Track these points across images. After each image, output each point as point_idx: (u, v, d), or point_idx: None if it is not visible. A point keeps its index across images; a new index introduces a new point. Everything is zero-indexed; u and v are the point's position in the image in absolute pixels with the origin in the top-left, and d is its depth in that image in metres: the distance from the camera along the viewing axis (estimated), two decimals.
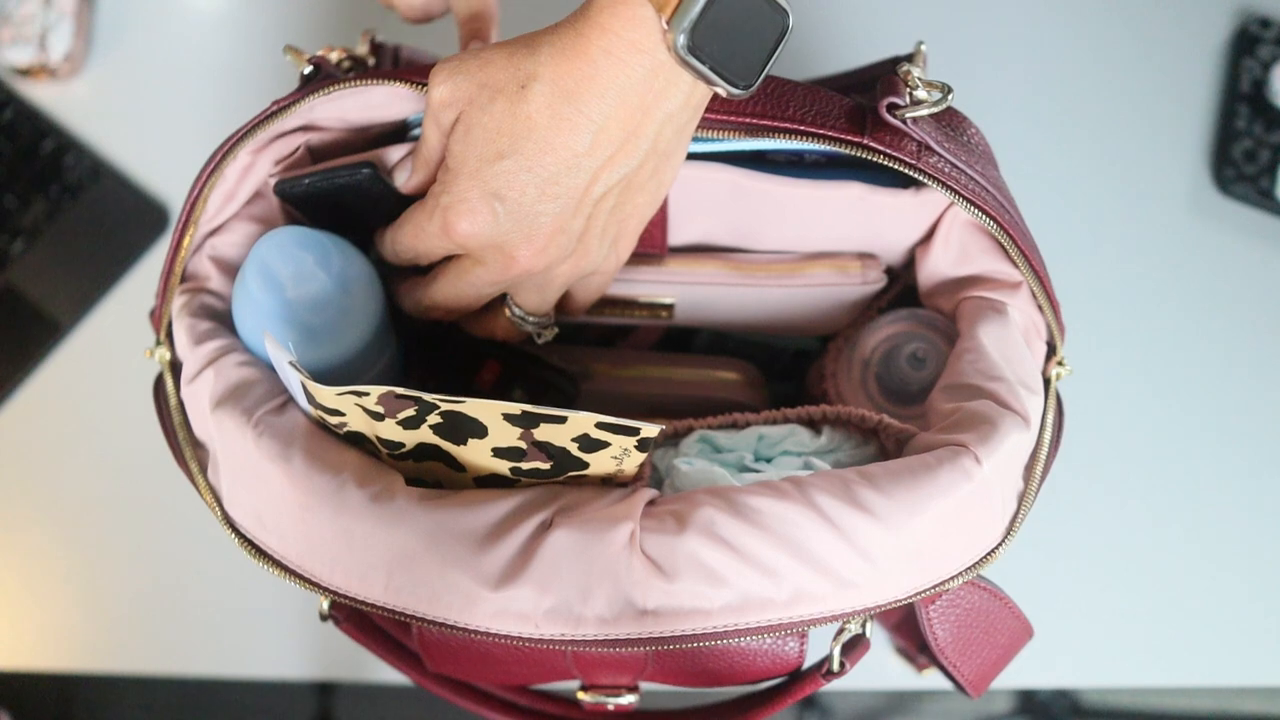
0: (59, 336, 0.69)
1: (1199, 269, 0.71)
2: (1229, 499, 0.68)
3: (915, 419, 0.46)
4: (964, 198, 0.42)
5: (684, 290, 0.50)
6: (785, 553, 0.39)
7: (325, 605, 0.45)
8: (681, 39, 0.36)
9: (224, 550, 0.64)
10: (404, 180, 0.44)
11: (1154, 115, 0.73)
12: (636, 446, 0.38)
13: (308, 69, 0.44)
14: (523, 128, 0.38)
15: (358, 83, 0.42)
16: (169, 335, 0.45)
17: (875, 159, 0.42)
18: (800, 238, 0.49)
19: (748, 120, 0.42)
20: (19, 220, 0.70)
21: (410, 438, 0.39)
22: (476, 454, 0.40)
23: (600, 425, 0.37)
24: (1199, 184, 0.72)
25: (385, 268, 0.46)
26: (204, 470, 0.44)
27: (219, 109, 0.72)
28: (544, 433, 0.38)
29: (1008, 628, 0.46)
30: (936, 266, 0.47)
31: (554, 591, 0.38)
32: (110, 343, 0.69)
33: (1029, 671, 0.65)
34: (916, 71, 0.42)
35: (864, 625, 0.42)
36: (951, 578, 0.41)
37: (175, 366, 0.44)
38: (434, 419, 0.38)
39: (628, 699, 0.46)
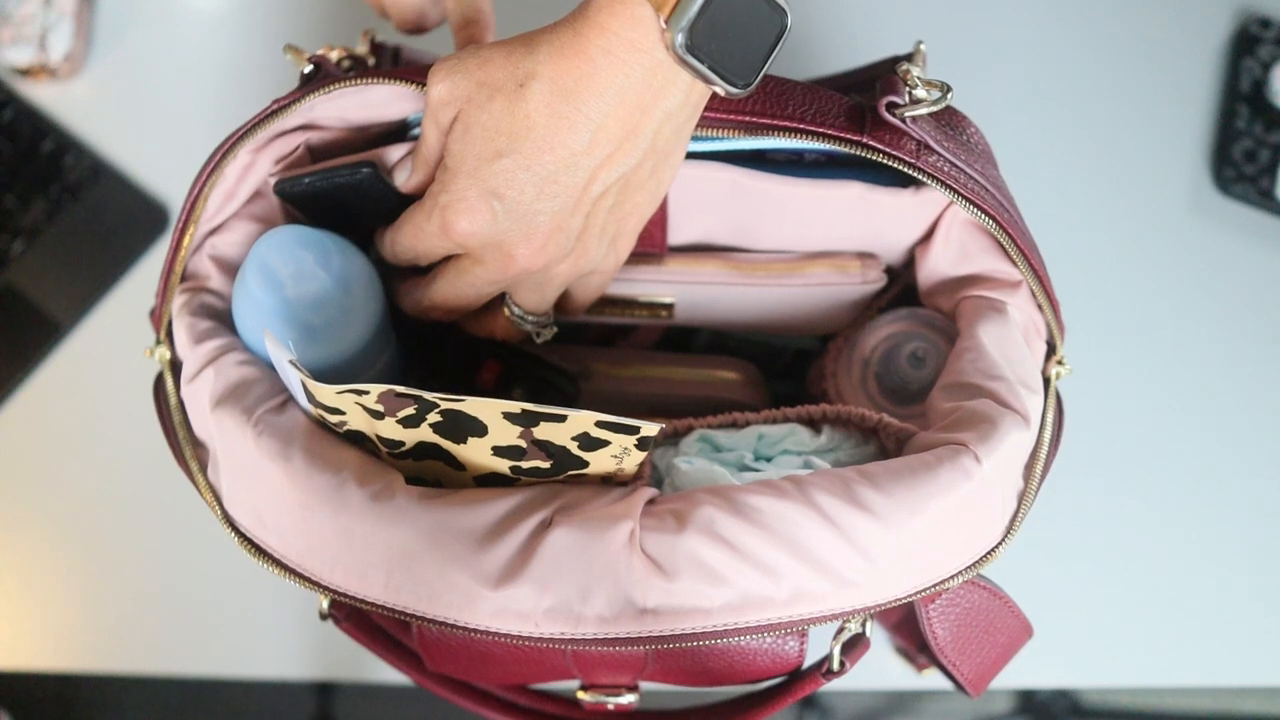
0: (59, 336, 0.69)
1: (1199, 269, 0.71)
2: (1229, 499, 0.68)
3: (915, 418, 0.46)
4: (963, 197, 0.42)
5: (684, 290, 0.50)
6: (785, 552, 0.39)
7: (325, 604, 0.45)
8: (680, 38, 0.36)
9: (224, 550, 0.64)
10: (404, 179, 0.44)
11: (1154, 115, 0.73)
12: (636, 445, 0.38)
13: (308, 68, 0.44)
14: (521, 126, 0.38)
15: (358, 82, 0.42)
16: (169, 334, 0.45)
17: (875, 158, 0.42)
18: (800, 237, 0.49)
19: (747, 119, 0.42)
20: (19, 220, 0.70)
21: (410, 436, 0.39)
22: (476, 453, 0.40)
23: (600, 424, 0.37)
24: (1199, 184, 0.72)
25: (385, 268, 0.46)
26: (204, 469, 0.44)
27: (219, 109, 0.72)
28: (544, 431, 0.38)
29: (1007, 627, 0.46)
30: (936, 266, 0.47)
31: (554, 590, 0.38)
32: (110, 343, 0.69)
33: (1029, 671, 0.65)
34: (916, 71, 0.42)
35: (864, 624, 0.42)
36: (951, 577, 0.41)
37: (175, 366, 0.44)
38: (434, 418, 0.38)
39: (628, 699, 0.46)
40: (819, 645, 0.44)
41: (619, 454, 0.39)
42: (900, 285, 0.51)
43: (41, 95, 0.72)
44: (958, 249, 0.46)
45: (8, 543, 0.67)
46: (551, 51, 0.38)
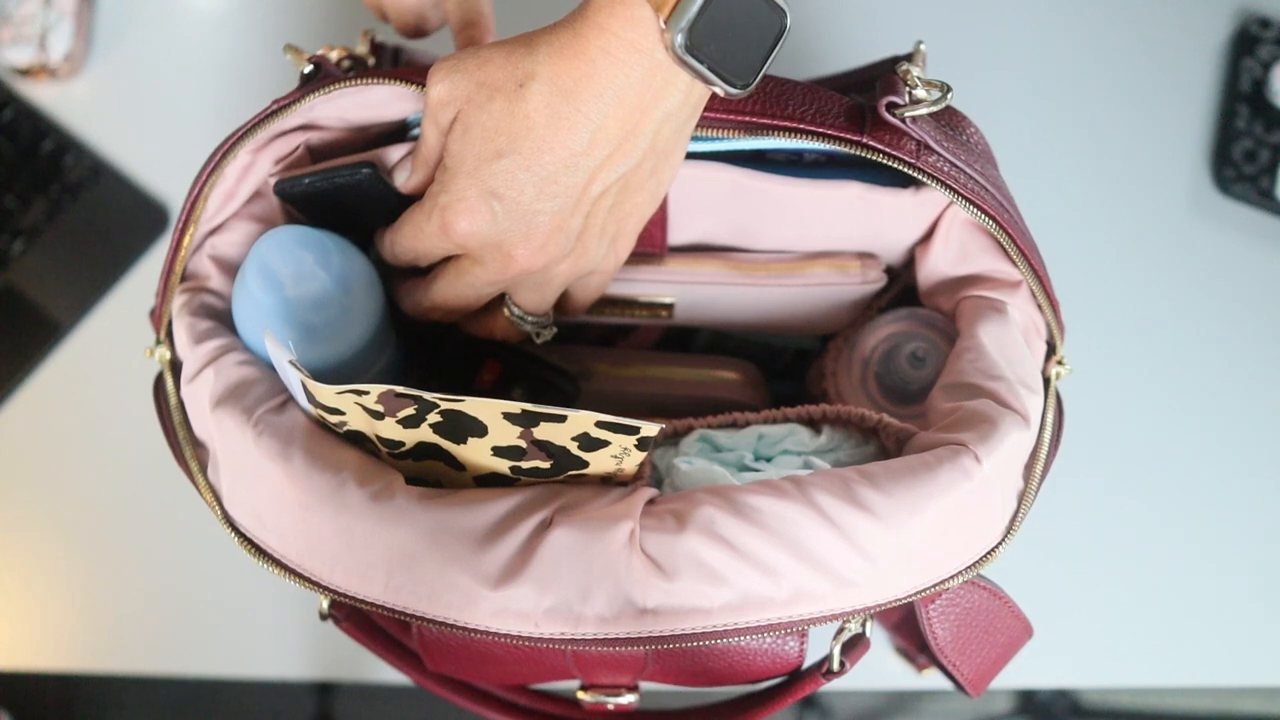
0: (59, 336, 0.69)
1: (1199, 269, 0.71)
2: (1229, 499, 0.68)
3: (915, 418, 0.46)
4: (963, 197, 0.42)
5: (684, 290, 0.50)
6: (785, 552, 0.39)
7: (325, 604, 0.45)
8: (679, 39, 0.36)
9: (224, 550, 0.65)
10: (403, 180, 0.44)
11: (1154, 115, 0.73)
12: (636, 445, 0.38)
13: (308, 68, 0.44)
14: (521, 127, 0.38)
15: (358, 82, 0.42)
16: (169, 334, 0.45)
17: (874, 158, 0.42)
18: (800, 237, 0.49)
19: (747, 119, 0.42)
20: (19, 220, 0.70)
21: (410, 436, 0.39)
22: (476, 453, 0.40)
23: (600, 424, 0.37)
24: (1199, 184, 0.72)
25: (385, 268, 0.46)
26: (204, 469, 0.44)
27: (219, 109, 0.72)
28: (544, 431, 0.38)
29: (1007, 627, 0.46)
30: (936, 266, 0.47)
31: (554, 590, 0.38)
32: (110, 343, 0.69)
33: (1029, 671, 0.65)
34: (916, 71, 0.42)
35: (864, 624, 0.42)
36: (951, 577, 0.41)
37: (175, 366, 0.44)
38: (434, 418, 0.38)
39: (628, 699, 0.46)
40: (819, 645, 0.44)
41: (619, 454, 0.39)
42: (900, 285, 0.51)
43: (41, 95, 0.72)
44: (958, 249, 0.46)
45: (8, 543, 0.67)
46: (551, 52, 0.38)
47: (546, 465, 0.40)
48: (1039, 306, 0.45)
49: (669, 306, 0.51)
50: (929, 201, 0.46)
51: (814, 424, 0.46)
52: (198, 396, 0.42)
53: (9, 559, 0.67)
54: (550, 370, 0.51)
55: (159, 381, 0.46)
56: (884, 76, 0.44)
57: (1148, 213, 0.71)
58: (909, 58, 0.47)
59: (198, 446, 0.44)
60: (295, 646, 0.66)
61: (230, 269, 0.45)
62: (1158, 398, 0.69)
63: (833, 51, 0.73)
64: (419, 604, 0.39)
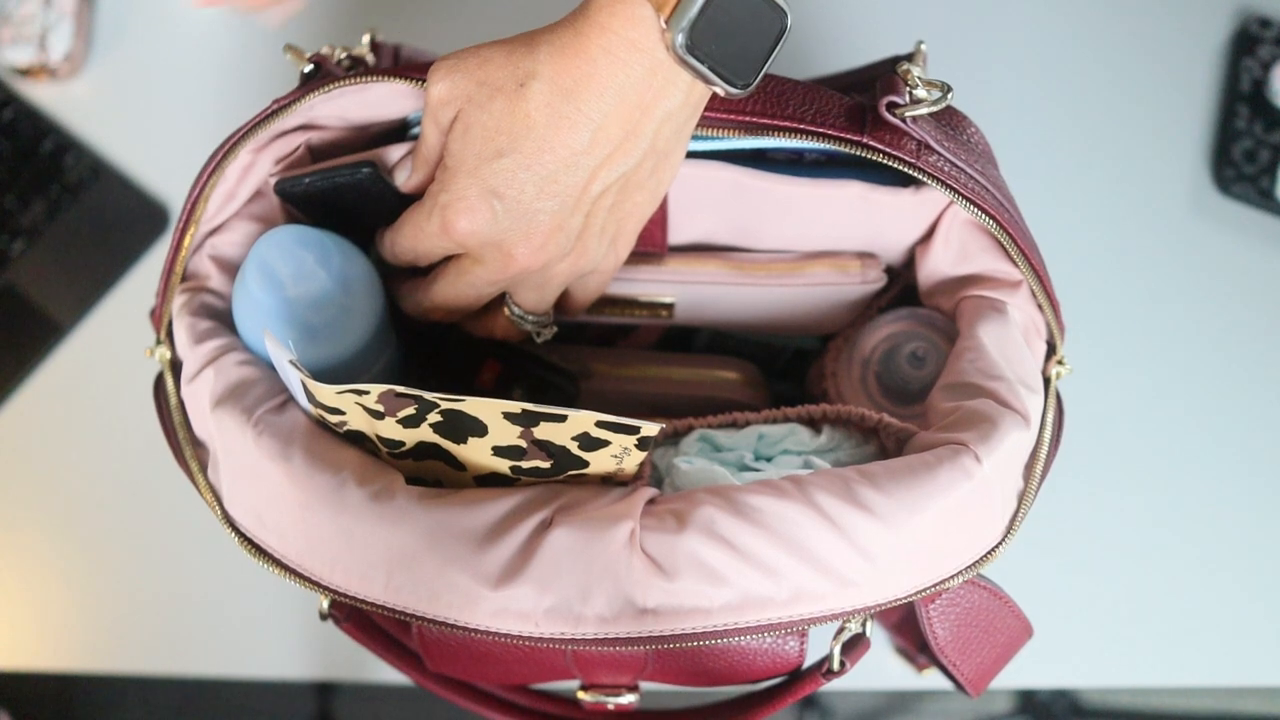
0: (59, 336, 0.69)
1: (1199, 269, 0.71)
2: (1229, 499, 0.68)
3: (915, 418, 0.46)
4: (963, 196, 0.42)
5: (684, 289, 0.50)
6: (785, 552, 0.39)
7: (325, 604, 0.45)
8: (680, 38, 0.36)
9: (224, 550, 0.65)
10: (404, 179, 0.44)
11: (1154, 115, 0.73)
12: (636, 445, 0.38)
13: (308, 67, 0.44)
14: (521, 126, 0.38)
15: (358, 80, 0.42)
16: (169, 334, 0.45)
17: (875, 158, 0.42)
18: (800, 236, 0.49)
19: (747, 119, 0.42)
20: (19, 220, 0.70)
21: (410, 436, 0.39)
22: (476, 453, 0.40)
23: (600, 424, 0.37)
24: (1199, 184, 0.72)
25: (385, 268, 0.46)
26: (204, 469, 0.44)
27: (219, 109, 0.72)
28: (544, 431, 0.38)
29: (1007, 627, 0.46)
30: (936, 265, 0.47)
31: (554, 590, 0.38)
32: (110, 343, 0.69)
33: (1029, 671, 0.65)
34: (916, 70, 0.42)
35: (864, 624, 0.42)
36: (951, 576, 0.41)
37: (175, 366, 0.44)
38: (434, 417, 0.38)
39: (628, 699, 0.46)
40: (819, 645, 0.44)
41: (619, 454, 0.39)
42: (900, 285, 0.51)
43: (41, 95, 0.72)
44: (958, 249, 0.46)
45: (8, 543, 0.67)
46: (552, 51, 0.38)
47: (547, 465, 0.40)
48: (1039, 306, 0.45)
49: (669, 306, 0.51)
50: (929, 201, 0.46)
51: (814, 424, 0.46)
52: (198, 396, 0.42)
53: (9, 559, 0.67)
54: (550, 370, 0.51)
55: (159, 381, 0.45)
56: (884, 76, 0.44)
57: (1148, 212, 0.71)
58: (909, 57, 0.47)
59: (198, 446, 0.44)
60: (295, 646, 0.66)
61: (230, 269, 0.45)
62: (1158, 398, 0.69)
63: (833, 51, 0.73)
64: (419, 604, 0.39)
